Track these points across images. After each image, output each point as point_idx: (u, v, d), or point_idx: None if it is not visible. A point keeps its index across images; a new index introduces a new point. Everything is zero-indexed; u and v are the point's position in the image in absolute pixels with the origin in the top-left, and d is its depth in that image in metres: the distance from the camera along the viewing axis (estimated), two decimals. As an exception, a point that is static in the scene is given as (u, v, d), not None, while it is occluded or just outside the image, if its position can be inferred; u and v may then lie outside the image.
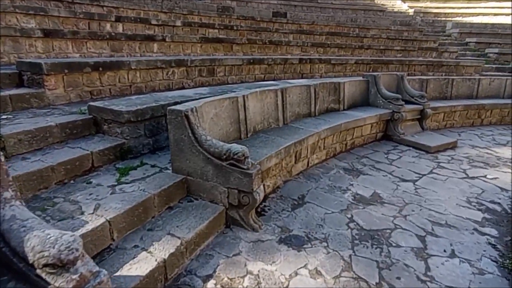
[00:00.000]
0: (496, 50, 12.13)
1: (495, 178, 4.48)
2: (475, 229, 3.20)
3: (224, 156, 2.75)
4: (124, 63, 4.79)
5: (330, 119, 5.01)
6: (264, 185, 3.15)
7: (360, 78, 6.20)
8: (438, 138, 5.84)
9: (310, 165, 4.50)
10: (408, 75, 9.47)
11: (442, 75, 9.94)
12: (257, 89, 4.26)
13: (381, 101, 5.97)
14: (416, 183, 4.20)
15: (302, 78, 7.80)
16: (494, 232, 3.17)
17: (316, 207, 3.44)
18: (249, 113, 3.90)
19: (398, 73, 6.54)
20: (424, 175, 4.46)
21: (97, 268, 1.47)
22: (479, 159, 5.23)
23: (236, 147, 2.74)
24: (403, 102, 5.76)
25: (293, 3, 14.80)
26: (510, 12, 15.35)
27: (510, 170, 4.77)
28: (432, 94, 7.31)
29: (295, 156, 4.13)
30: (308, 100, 5.03)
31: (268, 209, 3.34)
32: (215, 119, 3.44)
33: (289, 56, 8.22)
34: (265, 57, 7.47)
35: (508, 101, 7.72)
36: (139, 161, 3.24)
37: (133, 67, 4.89)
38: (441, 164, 4.93)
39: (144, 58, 5.59)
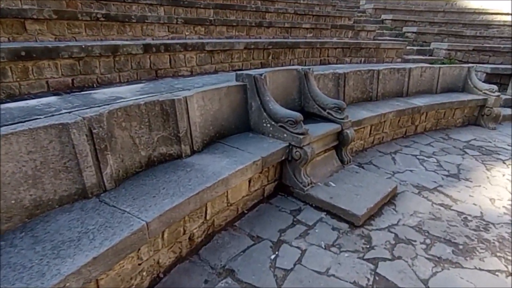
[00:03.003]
0: (414, 29, 10.48)
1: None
2: None
3: None
4: None
5: (133, 206, 2.09)
6: None
7: (227, 83, 3.35)
8: (367, 184, 3.37)
9: None
10: (321, 62, 7.06)
11: (361, 61, 7.76)
12: None
13: (268, 125, 3.25)
14: None
15: (155, 79, 4.75)
16: None
17: None
18: None
19: (299, 68, 3.86)
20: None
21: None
22: (437, 227, 2.88)
23: None
24: (306, 128, 3.08)
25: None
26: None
27: (501, 261, 2.46)
28: (353, 95, 4.88)
29: None
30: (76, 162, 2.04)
31: None
32: None
33: (131, 42, 5.03)
34: (91, 44, 4.19)
35: (443, 98, 5.71)
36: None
37: None
38: (380, 265, 2.41)
39: None
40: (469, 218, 3.08)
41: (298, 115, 3.04)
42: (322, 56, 7.28)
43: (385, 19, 11.48)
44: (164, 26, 6.05)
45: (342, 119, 3.60)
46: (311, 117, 3.83)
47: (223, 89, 3.17)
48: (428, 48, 9.52)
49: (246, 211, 3.02)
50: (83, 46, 3.95)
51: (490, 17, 12.82)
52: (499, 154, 4.70)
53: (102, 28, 5.24)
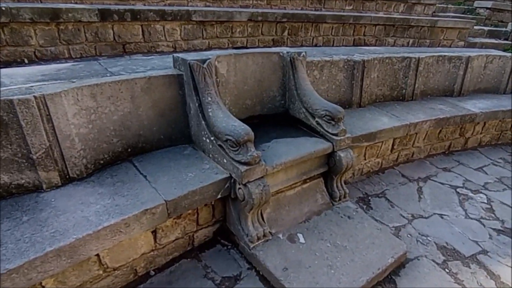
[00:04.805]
0: (489, 4, 8.27)
1: None
2: None
3: None
4: None
5: None
6: None
7: (149, 73, 2.21)
8: (358, 244, 2.19)
9: None
10: (354, 42, 5.59)
11: (409, 43, 6.10)
12: None
13: (208, 141, 2.13)
14: None
15: (120, 55, 3.76)
16: None
17: None
18: None
19: (284, 51, 2.60)
20: None
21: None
22: None
23: None
24: (258, 153, 1.88)
25: None
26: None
27: None
28: (376, 92, 3.51)
29: None
30: None
31: None
32: None
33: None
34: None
35: (514, 101, 4.05)
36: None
37: None
38: None
39: None
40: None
41: (241, 134, 1.85)
42: (356, 34, 5.76)
43: (453, -9, 9.28)
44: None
45: (336, 134, 2.34)
46: (297, 125, 2.62)
47: (139, 81, 2.07)
48: (504, 29, 7.40)
49: (153, 272, 1.98)
50: (5, 9, 3.02)
51: None
52: None
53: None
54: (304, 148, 2.24)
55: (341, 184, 2.53)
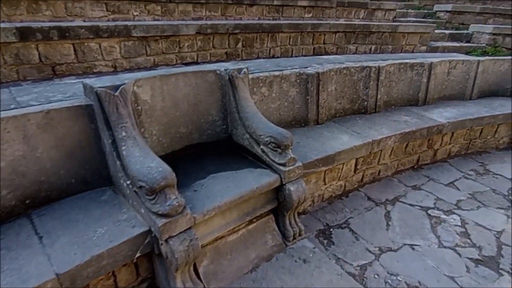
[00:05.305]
0: (449, 7, 8.32)
1: None
2: None
3: None
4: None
5: None
6: None
7: (50, 106, 1.80)
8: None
9: None
10: (314, 51, 5.33)
11: (371, 49, 5.93)
12: None
13: (125, 185, 1.71)
14: None
15: (50, 78, 3.31)
16: None
17: None
18: None
19: (221, 69, 2.24)
20: None
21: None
22: None
23: None
24: (181, 201, 1.50)
25: None
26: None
27: None
28: (335, 106, 3.23)
29: None
30: None
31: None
32: None
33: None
34: None
35: (480, 108, 3.90)
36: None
37: None
38: None
39: None
40: None
41: (156, 179, 1.47)
42: (316, 43, 5.53)
43: (413, -4, 9.33)
44: (100, 3, 4.53)
45: (283, 164, 1.99)
46: (242, 153, 2.26)
47: (34, 117, 1.66)
48: (465, 32, 7.41)
49: None
50: None
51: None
52: None
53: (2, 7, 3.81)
54: (246, 184, 1.88)
55: (295, 220, 2.18)
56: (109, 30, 3.54)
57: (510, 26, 6.69)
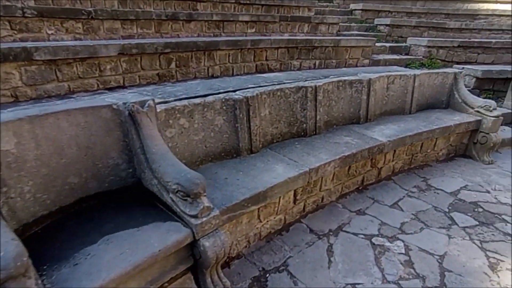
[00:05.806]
0: (388, 21, 8.60)
1: None
2: None
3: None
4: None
5: None
6: None
7: None
8: None
9: None
10: (257, 69, 5.10)
11: (315, 65, 5.83)
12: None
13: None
14: None
15: None
16: None
17: None
18: None
19: (118, 103, 1.85)
20: None
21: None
22: None
23: None
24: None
25: None
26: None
27: None
28: (271, 132, 2.98)
29: None
30: None
31: None
32: None
33: None
34: None
35: (419, 122, 3.87)
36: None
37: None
38: None
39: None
40: None
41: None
42: (258, 60, 5.32)
43: (355, 9, 9.58)
44: (1, 20, 3.94)
45: (195, 216, 1.65)
46: (153, 201, 1.88)
47: None
48: (404, 44, 7.66)
49: None
50: None
51: (476, 6, 11.05)
52: (505, 222, 2.86)
53: None
54: (146, 247, 1.51)
55: (218, 276, 1.84)
56: (2, 54, 3.01)
57: (442, 39, 6.98)
